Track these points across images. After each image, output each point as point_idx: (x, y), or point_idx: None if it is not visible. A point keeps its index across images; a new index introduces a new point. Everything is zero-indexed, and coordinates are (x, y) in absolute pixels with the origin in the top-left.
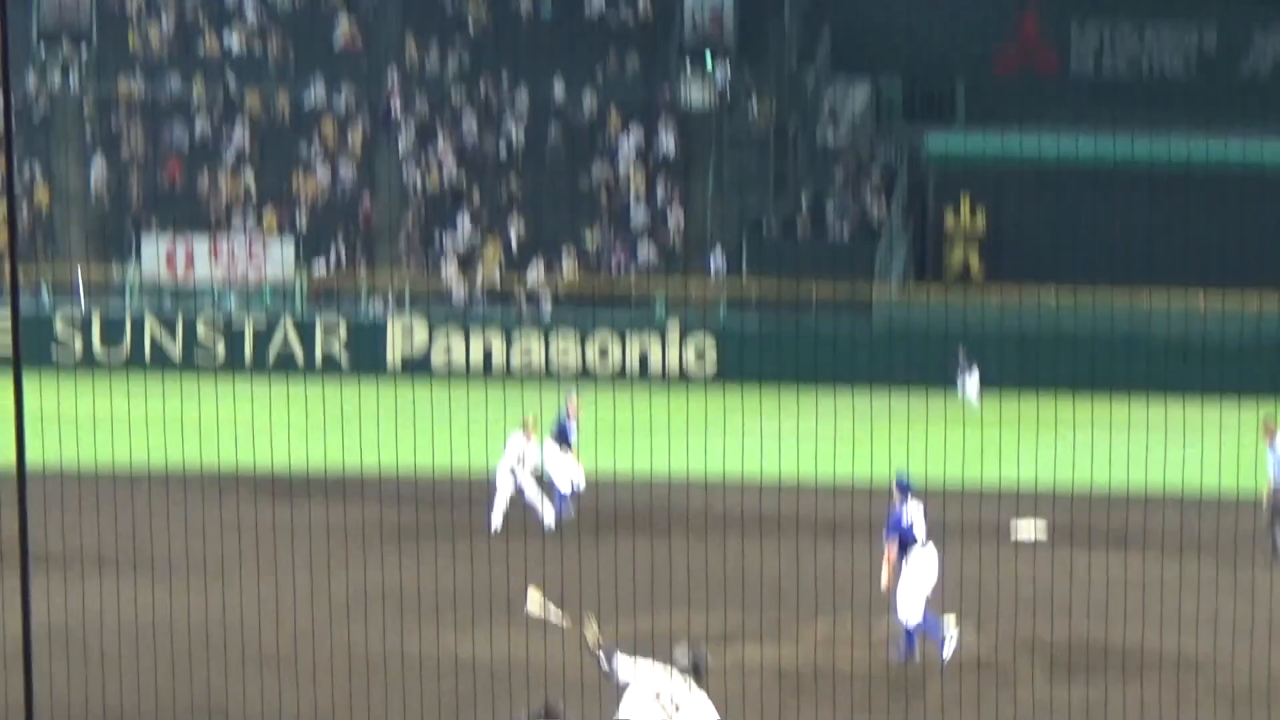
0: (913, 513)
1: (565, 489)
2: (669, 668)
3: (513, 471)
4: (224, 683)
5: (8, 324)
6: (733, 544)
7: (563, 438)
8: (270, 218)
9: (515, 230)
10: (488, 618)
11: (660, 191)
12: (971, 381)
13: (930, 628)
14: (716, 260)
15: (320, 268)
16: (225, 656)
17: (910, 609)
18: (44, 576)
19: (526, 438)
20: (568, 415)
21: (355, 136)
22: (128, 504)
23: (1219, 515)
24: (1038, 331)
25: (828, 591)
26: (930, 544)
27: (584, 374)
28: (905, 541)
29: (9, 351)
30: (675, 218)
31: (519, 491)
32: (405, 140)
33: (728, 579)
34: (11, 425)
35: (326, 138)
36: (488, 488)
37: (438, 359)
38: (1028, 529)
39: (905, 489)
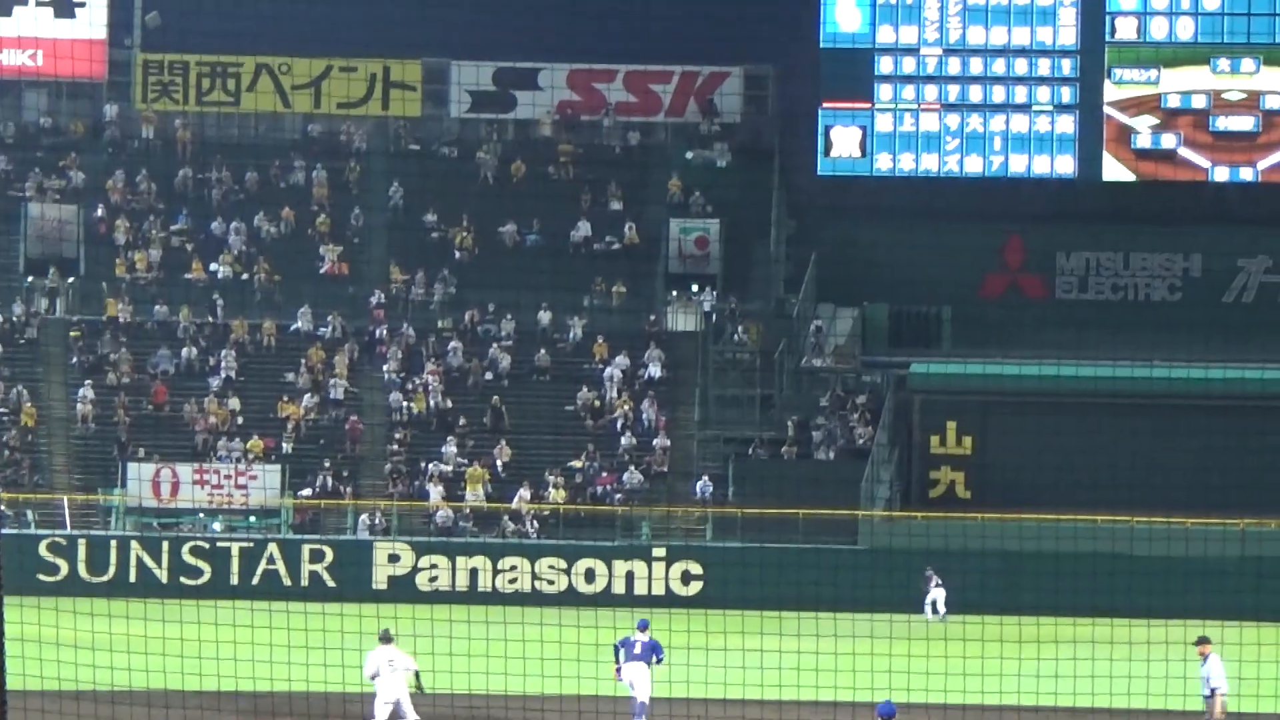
0: None
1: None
2: None
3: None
4: None
5: None
6: None
7: (646, 655)
8: (256, 443)
9: (501, 454)
10: None
11: (646, 416)
12: (937, 599)
13: None
14: (702, 484)
15: (306, 492)
16: None
17: None
18: None
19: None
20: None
21: (341, 362)
22: None
23: None
24: (1021, 553)
25: None
26: None
27: (570, 597)
28: None
29: None
30: (661, 442)
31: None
32: (391, 366)
33: None
34: None
35: (312, 364)
36: (471, 708)
37: (422, 582)
38: None
39: (888, 717)
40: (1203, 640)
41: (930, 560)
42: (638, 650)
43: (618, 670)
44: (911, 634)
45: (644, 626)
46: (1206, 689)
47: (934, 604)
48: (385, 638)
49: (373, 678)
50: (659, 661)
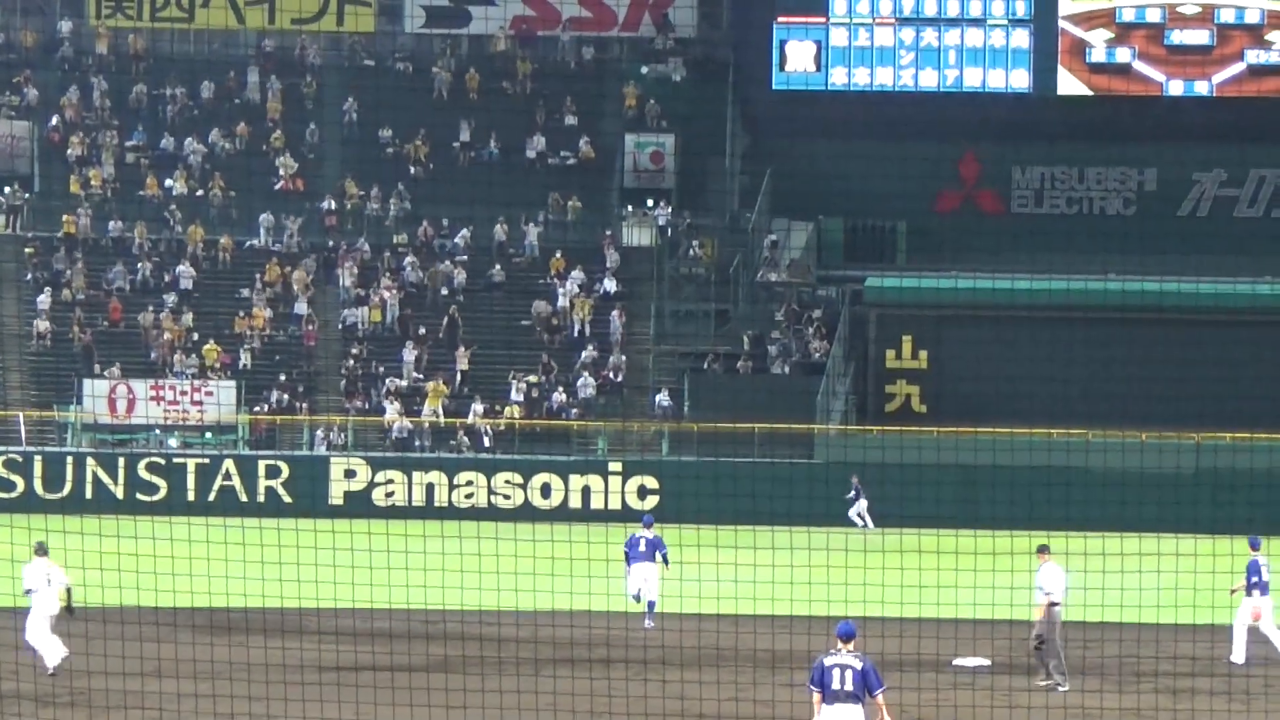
0: (841, 659)
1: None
2: None
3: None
4: None
5: None
6: (673, 676)
7: (651, 553)
8: (212, 358)
9: (457, 368)
10: None
11: (602, 330)
12: (860, 507)
13: None
14: (659, 398)
15: (262, 407)
16: None
17: None
18: None
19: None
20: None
21: (297, 278)
22: (68, 642)
23: (1158, 645)
24: (976, 467)
25: None
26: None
27: (526, 512)
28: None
29: None
30: (617, 356)
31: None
32: (347, 281)
33: (667, 713)
34: None
35: (268, 279)
36: (427, 622)
37: (379, 497)
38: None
39: (847, 637)
40: (1043, 549)
41: (885, 473)
42: (643, 548)
43: (628, 571)
44: (867, 547)
45: (649, 523)
46: (1041, 597)
47: (860, 514)
48: (41, 550)
49: (28, 593)
50: (665, 561)
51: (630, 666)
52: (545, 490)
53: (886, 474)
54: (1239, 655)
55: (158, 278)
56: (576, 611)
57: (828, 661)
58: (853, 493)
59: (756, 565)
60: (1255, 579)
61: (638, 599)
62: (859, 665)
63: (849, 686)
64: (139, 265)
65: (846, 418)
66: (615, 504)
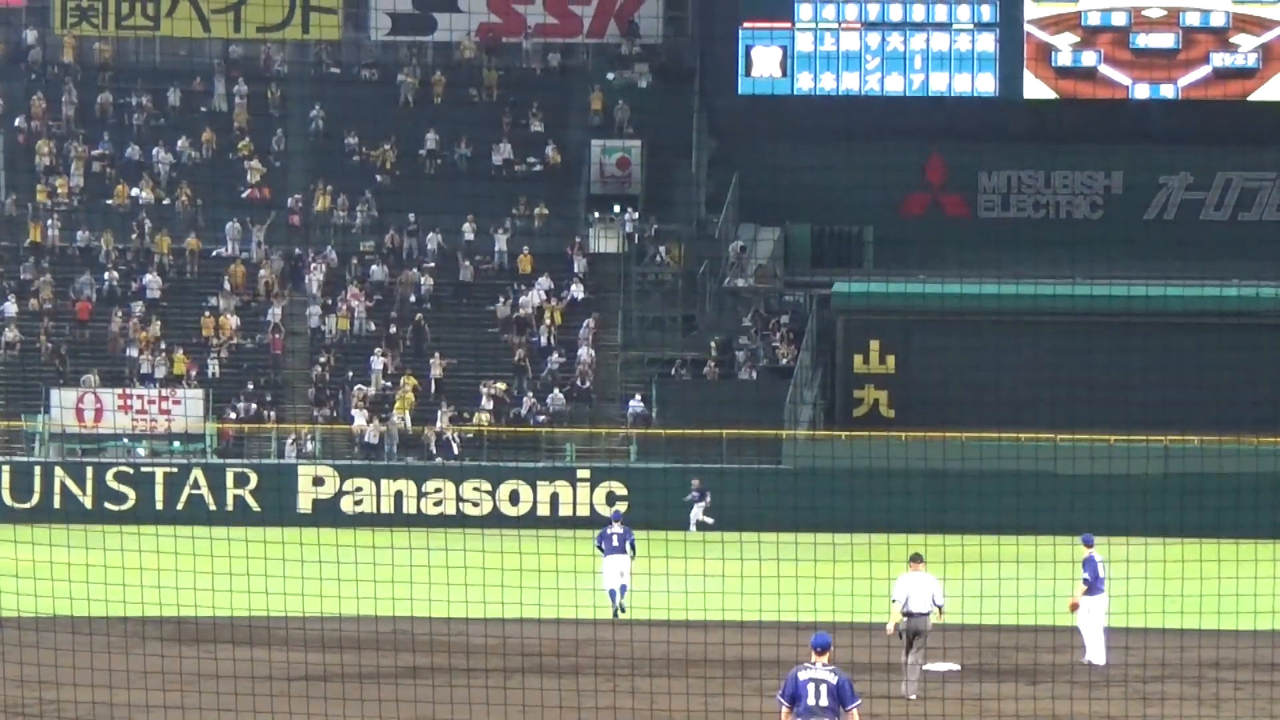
0: (816, 673)
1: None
2: None
3: None
4: None
5: None
6: (642, 683)
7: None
8: (180, 366)
9: (425, 376)
10: None
11: (570, 337)
12: (699, 509)
13: None
14: (627, 404)
15: (230, 415)
16: None
17: None
18: None
19: None
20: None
21: (264, 286)
22: (35, 653)
23: (1127, 651)
24: (944, 472)
25: None
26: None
27: (494, 519)
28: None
29: None
30: (585, 362)
31: None
32: (314, 289)
33: (643, 716)
34: None
35: (236, 288)
36: (396, 631)
37: (347, 505)
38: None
39: (822, 649)
40: (916, 558)
41: (854, 479)
42: (615, 541)
43: (603, 562)
44: (836, 555)
45: (617, 517)
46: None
47: (701, 519)
48: None
49: None
50: (634, 551)
51: (600, 674)
52: (514, 497)
53: (855, 479)
54: (1097, 656)
55: (125, 286)
56: (545, 619)
57: (802, 675)
58: (694, 494)
59: (725, 574)
60: (1088, 576)
61: (613, 593)
62: (834, 679)
63: (824, 701)
64: (106, 274)
65: (814, 423)
66: (584, 510)
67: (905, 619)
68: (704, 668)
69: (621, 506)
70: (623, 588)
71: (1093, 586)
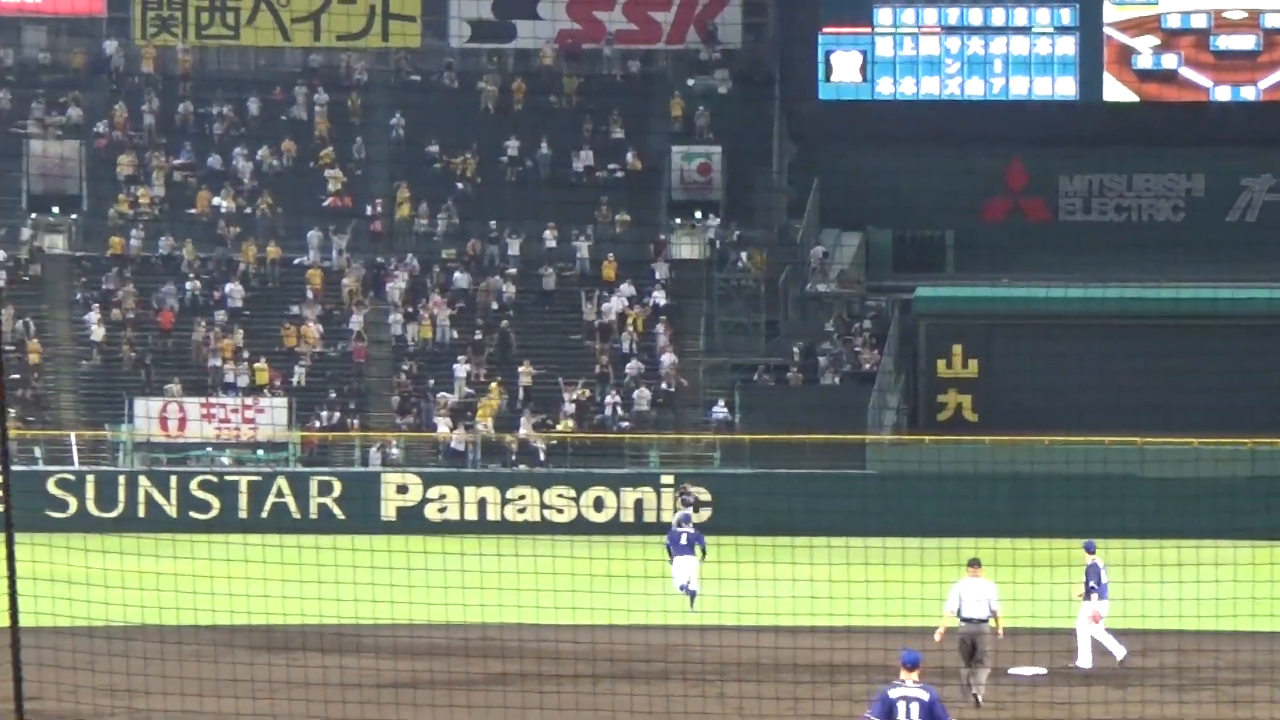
0: (907, 691)
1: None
2: None
3: None
4: None
5: None
6: (730, 688)
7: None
8: (263, 375)
9: (508, 383)
10: None
11: (652, 343)
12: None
13: None
14: (710, 410)
15: (313, 424)
16: None
17: None
18: None
19: None
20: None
21: (346, 294)
22: (124, 662)
23: (1217, 654)
24: (1028, 475)
25: None
26: None
27: (579, 525)
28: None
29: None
30: (668, 368)
31: None
32: (397, 297)
33: None
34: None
35: (318, 296)
36: (484, 638)
37: (431, 513)
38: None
39: (912, 665)
40: (974, 563)
41: (939, 484)
42: (684, 541)
43: (672, 563)
44: (924, 560)
45: (686, 520)
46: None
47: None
48: None
49: None
50: (704, 552)
51: (688, 679)
52: (598, 504)
53: (939, 484)
54: (1085, 660)
55: (207, 295)
56: (633, 625)
57: (893, 694)
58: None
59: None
60: (1093, 583)
61: (684, 589)
62: (925, 697)
63: (915, 719)
64: (188, 283)
65: (898, 427)
66: (668, 517)
67: (962, 625)
68: (792, 672)
69: (705, 520)
70: (693, 593)
71: (1095, 591)
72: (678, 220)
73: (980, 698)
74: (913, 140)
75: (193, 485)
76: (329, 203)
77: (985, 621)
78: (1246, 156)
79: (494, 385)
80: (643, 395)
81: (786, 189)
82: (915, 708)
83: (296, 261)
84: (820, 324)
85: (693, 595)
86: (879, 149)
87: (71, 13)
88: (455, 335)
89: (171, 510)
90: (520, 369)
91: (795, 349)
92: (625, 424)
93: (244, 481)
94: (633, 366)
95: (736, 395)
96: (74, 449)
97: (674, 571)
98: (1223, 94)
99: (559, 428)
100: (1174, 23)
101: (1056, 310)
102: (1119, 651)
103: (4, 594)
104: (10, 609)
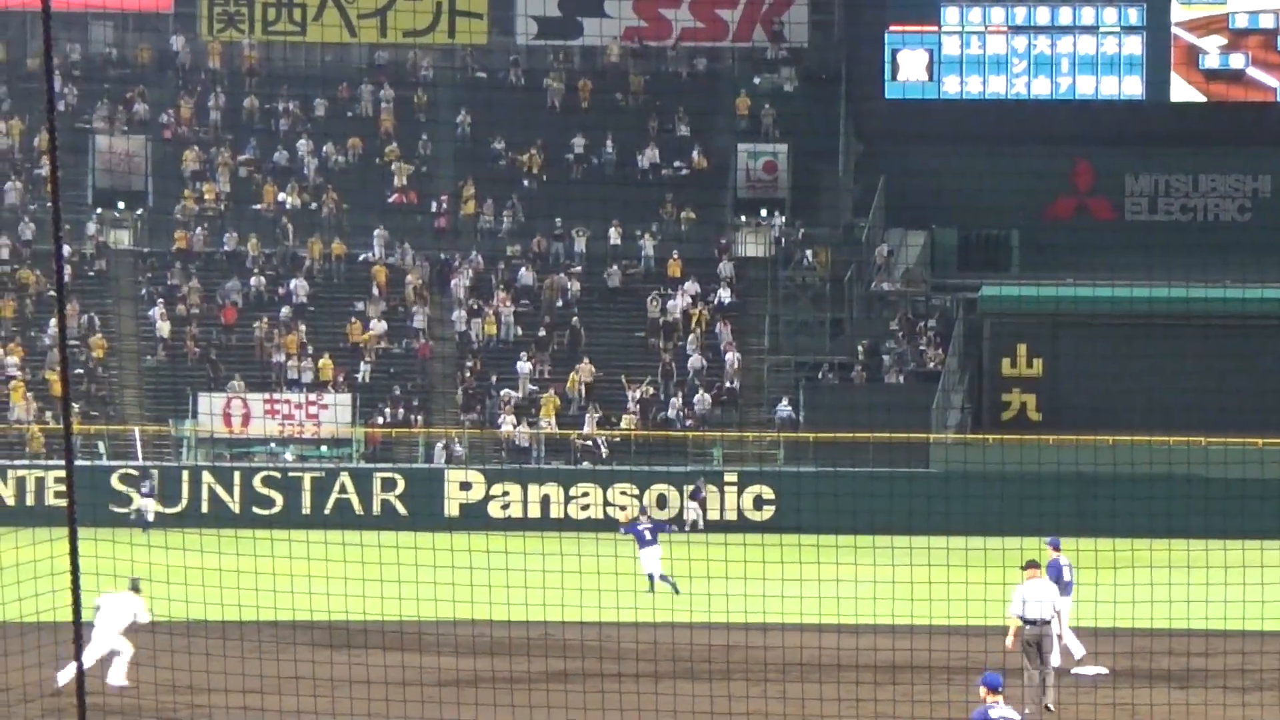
0: (1003, 712)
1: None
2: None
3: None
4: None
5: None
6: (792, 688)
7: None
8: (327, 371)
9: (572, 380)
10: None
11: (717, 340)
12: (693, 508)
13: None
14: (774, 408)
15: (377, 420)
16: None
17: None
18: None
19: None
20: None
21: (411, 291)
22: (186, 659)
23: None
24: (1092, 475)
25: None
26: None
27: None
28: None
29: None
30: (732, 366)
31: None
32: (461, 293)
33: None
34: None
35: (383, 292)
36: (545, 636)
37: (495, 509)
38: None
39: (994, 688)
40: (1031, 564)
41: (1004, 485)
42: (648, 536)
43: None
44: (988, 560)
45: (643, 511)
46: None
47: (693, 519)
48: (134, 587)
49: (97, 608)
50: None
51: (750, 679)
52: (661, 501)
53: (1003, 483)
54: (1078, 650)
55: (271, 291)
56: (696, 625)
57: (993, 714)
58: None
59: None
60: (1056, 579)
61: (652, 579)
62: (1018, 718)
63: None
64: (253, 279)
65: (962, 426)
66: (731, 515)
67: (1027, 627)
68: (854, 672)
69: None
70: (665, 579)
71: (1058, 586)
72: (743, 218)
73: (1052, 705)
74: (978, 139)
75: (256, 481)
76: (394, 199)
77: (1049, 623)
78: None
79: (555, 387)
80: (706, 394)
81: (852, 187)
82: None
83: (361, 258)
84: (885, 323)
85: (662, 580)
86: (945, 148)
87: (139, 9)
88: (520, 332)
89: (234, 506)
90: (583, 366)
91: (860, 348)
92: (689, 422)
93: (307, 478)
94: (696, 364)
95: (800, 394)
96: (138, 444)
97: (642, 563)
98: None
99: (622, 425)
100: (1242, 22)
101: (1121, 310)
102: (1078, 651)
103: (68, 590)
104: (74, 605)
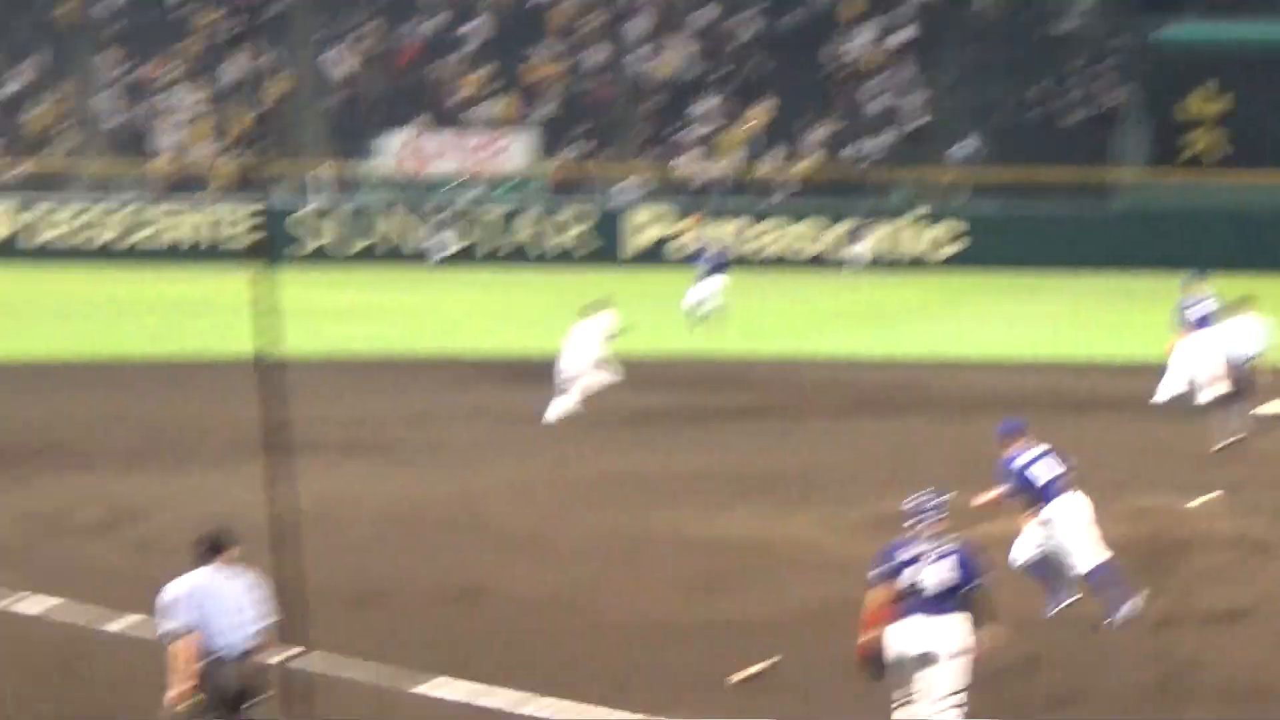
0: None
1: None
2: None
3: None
4: (476, 562)
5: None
6: (977, 424)
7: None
8: (509, 109)
9: (754, 118)
10: (733, 500)
11: (898, 80)
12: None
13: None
14: (960, 146)
15: (560, 158)
16: (475, 537)
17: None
18: (292, 463)
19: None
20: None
21: (594, 27)
22: (371, 392)
23: None
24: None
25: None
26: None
27: (827, 260)
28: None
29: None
30: (913, 106)
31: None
32: (642, 31)
33: (970, 458)
34: (259, 318)
35: (566, 29)
36: (730, 370)
37: (673, 248)
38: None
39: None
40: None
41: (1185, 220)
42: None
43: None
44: (1171, 296)
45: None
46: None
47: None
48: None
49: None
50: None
51: (932, 413)
52: (848, 238)
53: (1185, 220)
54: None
55: (452, 29)
56: (876, 362)
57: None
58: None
59: (1057, 316)
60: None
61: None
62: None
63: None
64: (434, 17)
65: (1143, 164)
66: (918, 250)
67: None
68: (1035, 409)
69: (955, 254)
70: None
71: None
72: None
73: (1236, 437)
74: None
75: (437, 219)
76: None
77: (1253, 358)
78: None
79: (737, 126)
80: (887, 133)
81: None
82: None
83: None
84: (1065, 62)
85: (706, 316)
86: None
87: None
88: (700, 70)
89: (415, 244)
90: (757, 104)
91: (1039, 89)
92: (872, 160)
93: (489, 215)
94: (880, 102)
95: (983, 133)
96: (321, 180)
97: (695, 291)
98: None
99: (805, 164)
100: None
101: None
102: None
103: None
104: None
